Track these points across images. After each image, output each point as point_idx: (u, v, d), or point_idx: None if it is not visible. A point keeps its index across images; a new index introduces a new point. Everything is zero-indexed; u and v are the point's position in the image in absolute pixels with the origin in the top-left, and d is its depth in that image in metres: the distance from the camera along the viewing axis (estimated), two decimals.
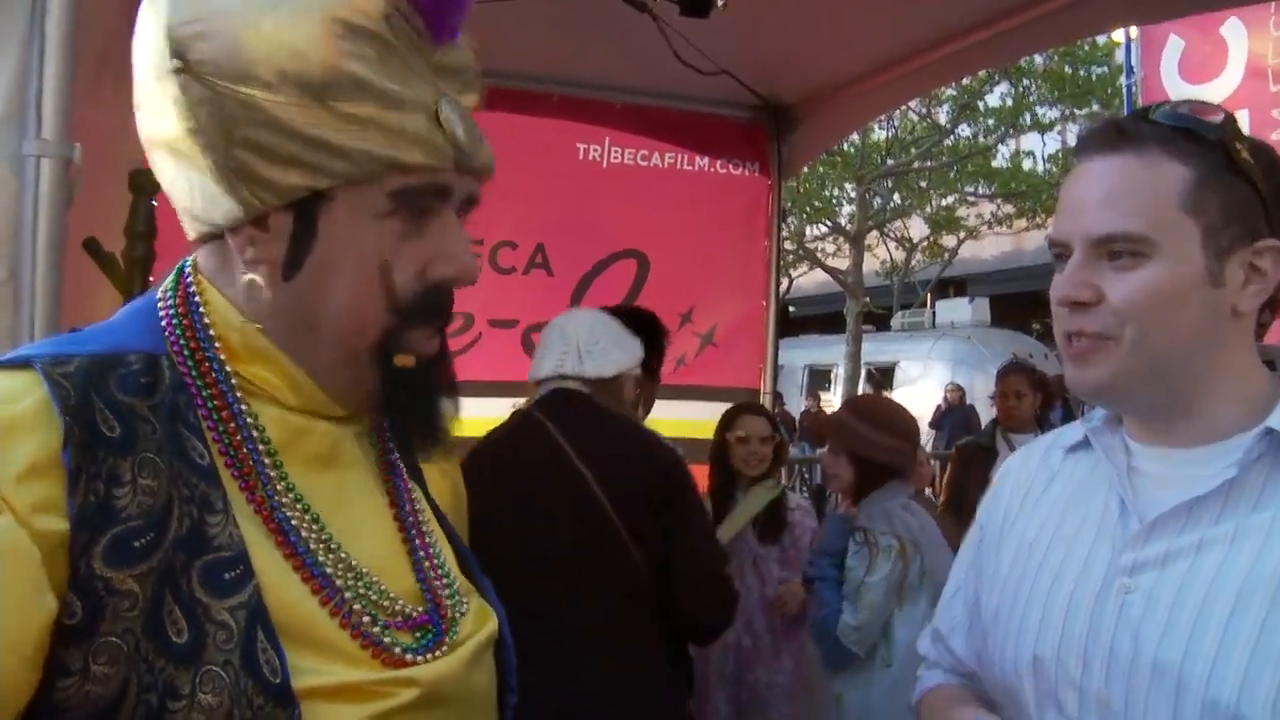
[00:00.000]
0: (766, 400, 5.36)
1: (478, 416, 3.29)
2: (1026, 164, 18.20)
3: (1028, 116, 16.54)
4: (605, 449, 2.69)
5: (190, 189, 0.98)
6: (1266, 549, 1.22)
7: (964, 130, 17.28)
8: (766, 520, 3.87)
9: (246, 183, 0.95)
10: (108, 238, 1.97)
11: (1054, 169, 17.81)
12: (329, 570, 0.98)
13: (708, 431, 4.42)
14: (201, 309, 1.01)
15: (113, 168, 1.91)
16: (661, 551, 2.61)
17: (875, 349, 20.25)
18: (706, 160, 5.15)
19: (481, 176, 1.04)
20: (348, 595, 0.98)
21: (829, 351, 20.56)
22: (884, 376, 19.95)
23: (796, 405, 18.56)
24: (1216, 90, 6.78)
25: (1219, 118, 1.30)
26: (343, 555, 1.00)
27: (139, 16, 0.98)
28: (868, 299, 18.89)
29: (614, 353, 2.87)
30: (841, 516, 3.33)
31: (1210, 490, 1.26)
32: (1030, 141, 17.97)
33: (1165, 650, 1.23)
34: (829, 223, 18.76)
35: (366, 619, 0.98)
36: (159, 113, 0.96)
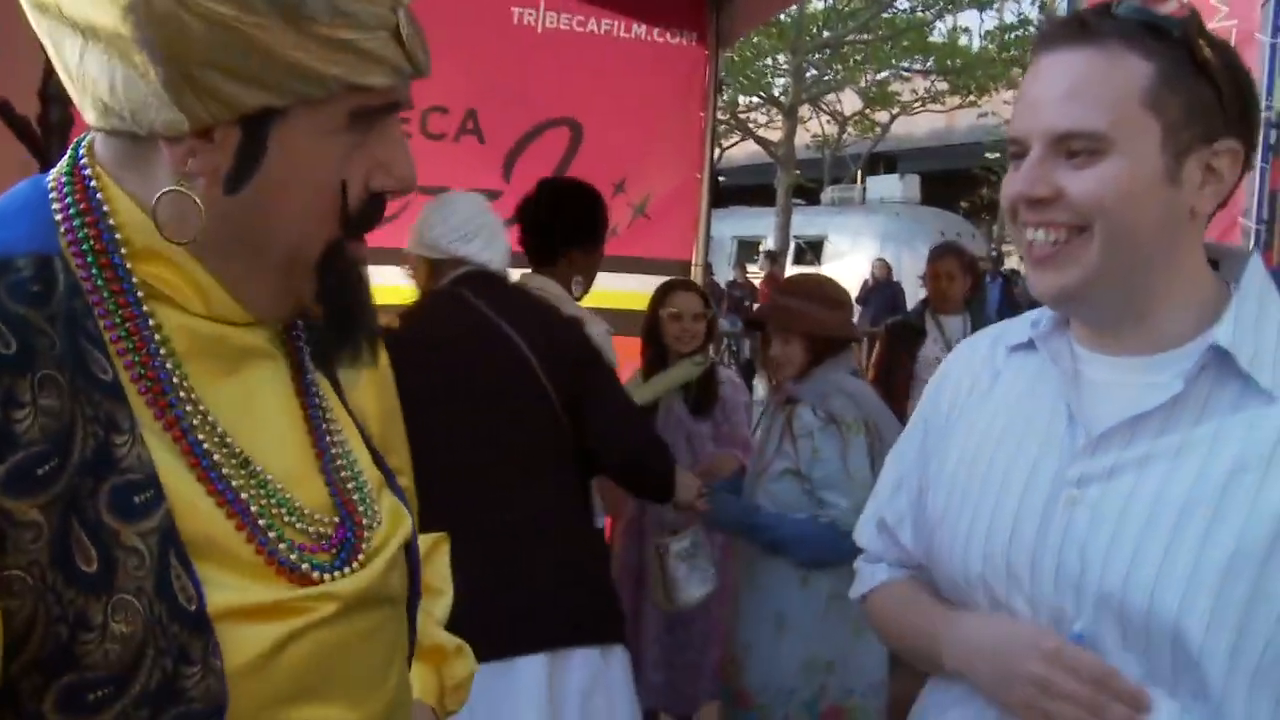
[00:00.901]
0: (698, 273, 5.36)
1: (400, 285, 3.26)
2: (963, 40, 18.11)
3: None
4: (531, 320, 2.69)
5: (113, 83, 0.89)
6: (1209, 462, 1.23)
7: (901, 3, 17.09)
8: (698, 395, 3.89)
9: (198, 97, 0.88)
10: (20, 101, 1.86)
11: (990, 46, 17.73)
12: (240, 490, 0.94)
13: (638, 303, 4.41)
14: (105, 205, 0.93)
15: (25, 26, 1.79)
16: (586, 415, 2.67)
17: (805, 222, 20.29)
18: (644, 28, 5.04)
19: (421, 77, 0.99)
20: (260, 519, 0.94)
21: (758, 223, 20.57)
22: (812, 250, 20.05)
23: (724, 277, 18.61)
24: None
25: (1183, 14, 1.27)
26: (255, 471, 0.96)
27: None
28: (798, 172, 18.84)
29: (503, 242, 2.88)
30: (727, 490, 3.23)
31: (1157, 404, 1.26)
32: (968, 18, 17.86)
33: (1110, 567, 1.25)
34: (762, 94, 18.56)
35: (281, 545, 0.95)
36: (100, 5, 0.86)
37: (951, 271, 5.37)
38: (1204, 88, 1.25)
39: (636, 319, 4.36)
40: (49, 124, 1.94)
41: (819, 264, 20.33)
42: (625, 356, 4.24)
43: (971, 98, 18.26)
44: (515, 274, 3.15)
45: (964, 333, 5.20)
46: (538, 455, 2.62)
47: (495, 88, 4.65)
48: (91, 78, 0.90)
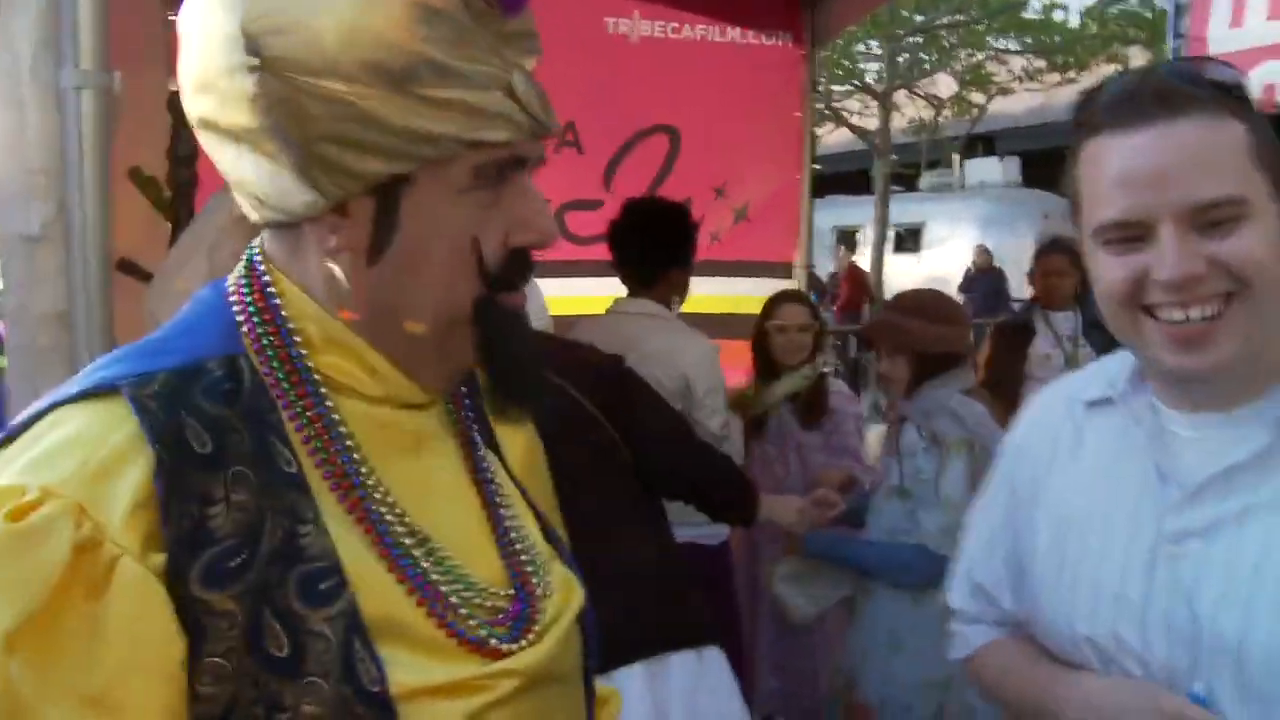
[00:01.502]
0: (801, 274, 5.34)
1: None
2: (1059, 16, 17.64)
3: None
4: (567, 362, 2.68)
5: (259, 177, 0.94)
6: None
7: None
8: (806, 405, 3.88)
9: (327, 173, 0.92)
10: (149, 163, 1.94)
11: (1088, 21, 17.29)
12: (423, 568, 0.98)
13: (744, 307, 4.43)
14: (278, 301, 0.98)
15: (151, 90, 1.87)
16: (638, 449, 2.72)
17: (902, 210, 20.02)
18: (738, 31, 5.03)
19: (551, 137, 1.02)
20: (443, 591, 0.98)
21: (857, 212, 20.35)
22: (912, 238, 19.79)
23: (825, 267, 18.47)
24: None
25: (1233, 74, 1.26)
26: (434, 548, 0.99)
27: (209, 8, 0.93)
28: (894, 158, 18.60)
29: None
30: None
31: (1250, 454, 1.24)
32: None
33: (1222, 622, 1.23)
34: (855, 82, 18.35)
35: (462, 614, 0.98)
36: (227, 103, 0.92)
37: (1061, 268, 5.24)
38: (1274, 136, 1.24)
39: (744, 323, 4.38)
40: (176, 185, 2.01)
41: (918, 251, 20.05)
42: (737, 361, 4.27)
43: (1070, 74, 17.81)
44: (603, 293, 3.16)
45: (1075, 327, 5.10)
46: (600, 478, 2.63)
47: (592, 98, 4.68)
48: (247, 177, 0.95)
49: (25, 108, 1.52)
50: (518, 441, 1.21)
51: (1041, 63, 17.87)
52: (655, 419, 2.79)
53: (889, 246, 19.01)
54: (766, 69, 5.11)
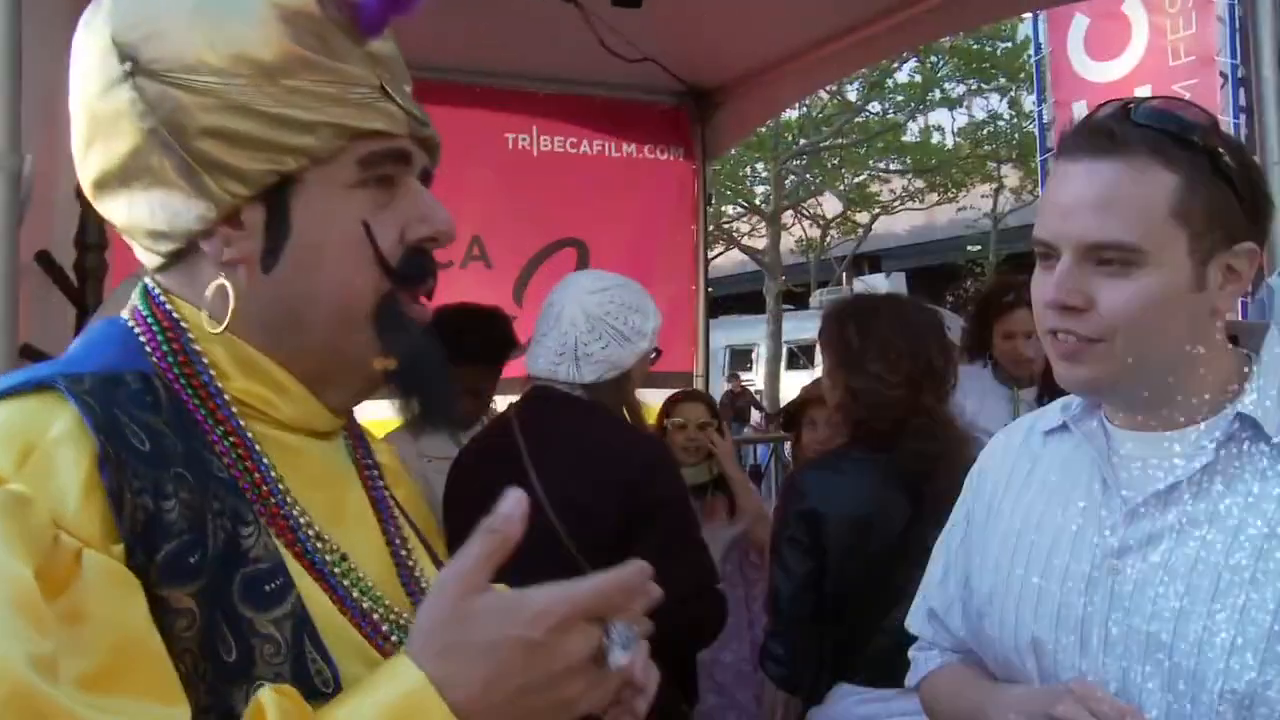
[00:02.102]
0: (699, 383, 5.42)
1: None
2: (935, 138, 18.49)
3: (936, 92, 16.79)
4: (571, 469, 2.44)
5: (153, 208, 0.96)
6: (1243, 526, 1.27)
7: (874, 107, 17.49)
8: (713, 498, 3.93)
9: (213, 175, 0.94)
10: (58, 250, 1.93)
11: (962, 142, 18.12)
12: (346, 587, 0.98)
13: (650, 417, 4.45)
14: (184, 326, 0.99)
15: (60, 179, 1.86)
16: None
17: (796, 327, 20.43)
18: (634, 146, 5.19)
19: (432, 154, 1.05)
20: (367, 613, 0.98)
21: (750, 331, 20.72)
22: (805, 355, 20.16)
23: (718, 387, 18.69)
24: (1120, 67, 6.95)
25: (1204, 119, 1.31)
26: (351, 569, 0.99)
27: (74, 54, 0.97)
28: (784, 278, 19.05)
29: (616, 351, 2.57)
30: None
31: (1189, 473, 1.30)
32: (939, 116, 18.27)
33: (1155, 630, 1.28)
34: (744, 203, 18.87)
35: (384, 630, 0.98)
36: (110, 133, 0.95)
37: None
38: (1224, 192, 1.28)
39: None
40: (84, 270, 2.00)
41: (812, 367, 20.41)
42: None
43: (949, 194, 18.57)
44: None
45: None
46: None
47: (498, 212, 4.76)
48: (138, 218, 0.97)
49: None
50: (403, 485, 1.21)
51: (921, 183, 18.61)
52: (667, 542, 2.47)
53: (782, 364, 19.33)
54: (662, 182, 5.27)
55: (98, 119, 0.95)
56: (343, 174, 0.97)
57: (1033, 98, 14.11)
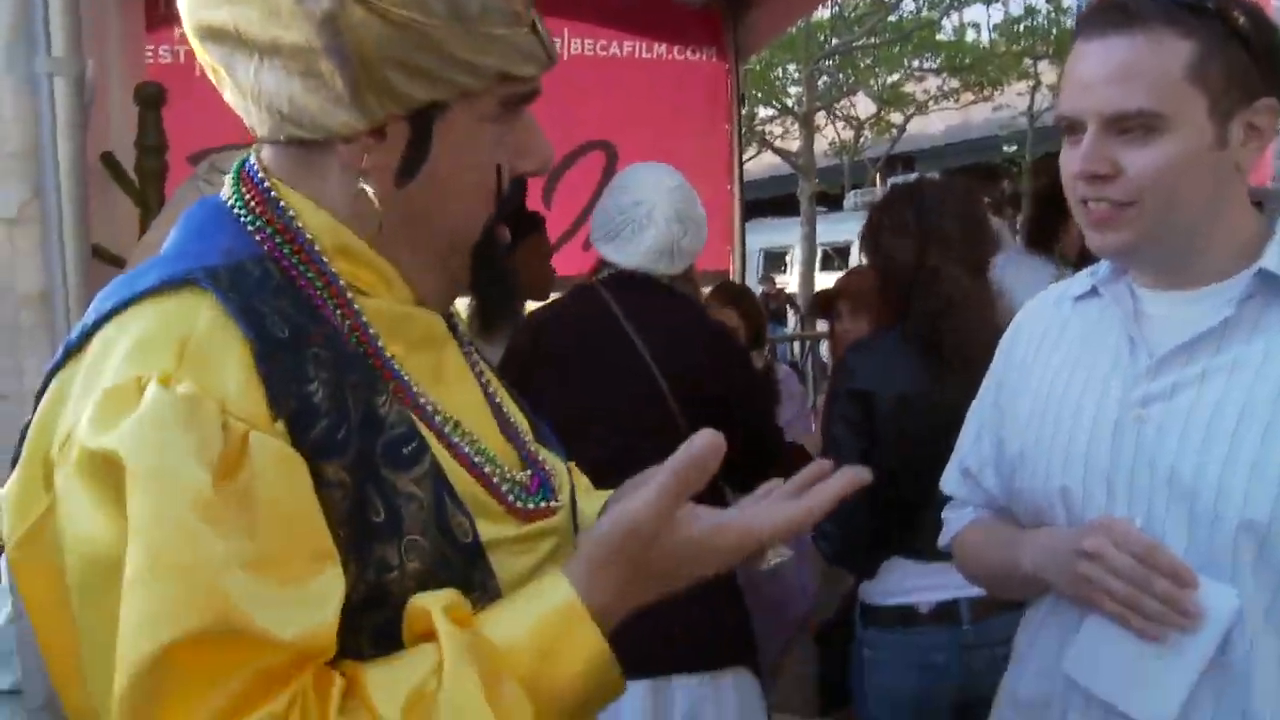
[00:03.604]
0: (735, 280, 5.45)
1: None
2: (970, 35, 18.15)
3: None
4: (669, 337, 2.61)
5: (293, 92, 0.98)
6: (1263, 373, 1.34)
7: (907, 4, 17.15)
8: None
9: (378, 95, 0.97)
10: (119, 150, 1.98)
11: (1000, 39, 17.76)
12: (465, 447, 1.05)
13: None
14: (290, 211, 1.02)
15: (120, 81, 1.91)
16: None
17: (829, 229, 20.28)
18: (664, 47, 5.16)
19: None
20: (485, 469, 1.05)
21: (783, 234, 20.58)
22: (840, 256, 20.04)
23: (754, 289, 18.60)
24: None
25: None
26: (465, 430, 1.06)
27: None
28: (817, 180, 18.88)
29: (695, 241, 2.74)
30: None
31: (1211, 327, 1.38)
32: (974, 13, 17.92)
33: (1179, 470, 1.36)
34: (777, 104, 18.65)
35: (506, 489, 1.06)
36: (278, 18, 0.95)
37: None
38: (1240, 53, 1.35)
39: None
40: (145, 171, 2.05)
41: (846, 268, 20.26)
42: None
43: (985, 92, 18.26)
44: None
45: None
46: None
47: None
48: (268, 92, 0.99)
49: (2, 94, 1.57)
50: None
51: (956, 82, 18.30)
52: (755, 420, 2.75)
53: (817, 266, 19.24)
54: (694, 83, 5.24)
55: (279, 3, 0.95)
56: (485, 108, 1.03)
57: None
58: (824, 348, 10.99)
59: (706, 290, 4.43)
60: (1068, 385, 1.52)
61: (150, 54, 4.12)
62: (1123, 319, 1.48)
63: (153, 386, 0.87)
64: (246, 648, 0.83)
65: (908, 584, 2.57)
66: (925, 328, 2.50)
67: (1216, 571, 1.32)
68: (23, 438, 0.95)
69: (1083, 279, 1.59)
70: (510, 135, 1.06)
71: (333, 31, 0.95)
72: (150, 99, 2.05)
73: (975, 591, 2.22)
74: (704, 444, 0.95)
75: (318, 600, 0.88)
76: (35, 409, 0.96)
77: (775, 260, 20.71)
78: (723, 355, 2.71)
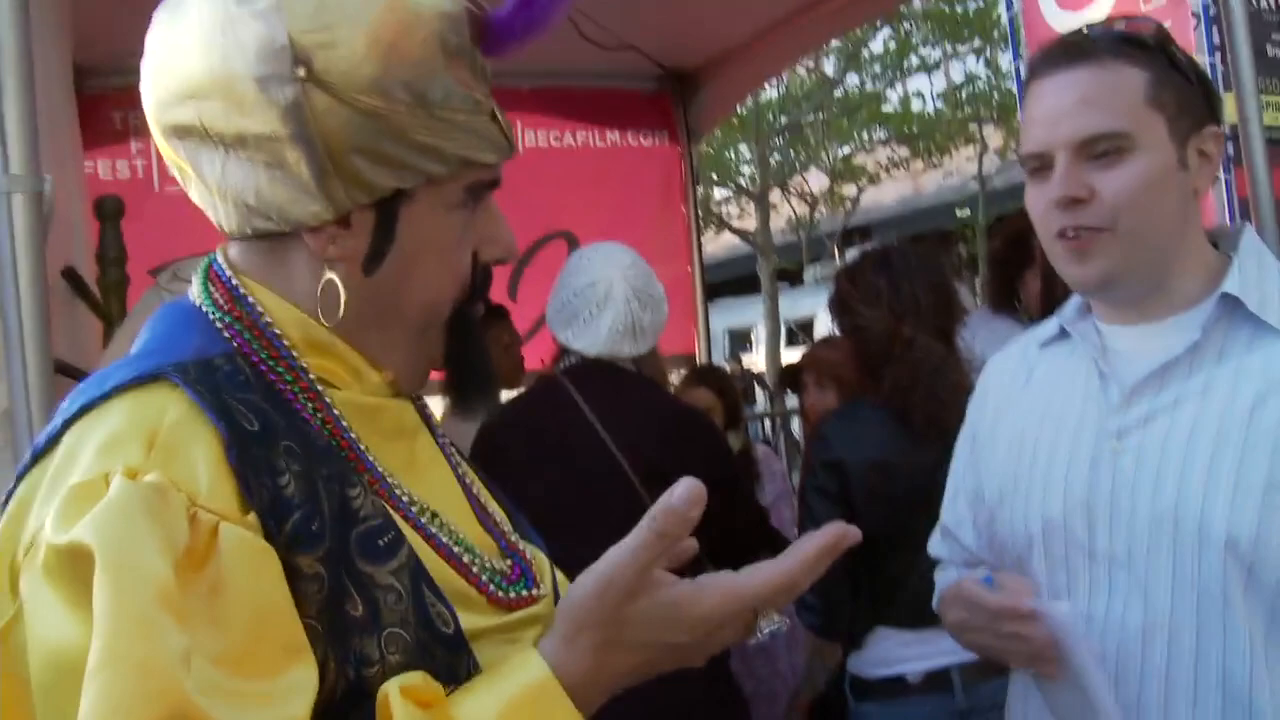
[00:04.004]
0: (700, 360, 5.47)
1: None
2: (916, 105, 18.48)
3: (912, 58, 16.80)
4: (635, 425, 2.55)
5: (259, 185, 0.98)
6: (1234, 394, 1.37)
7: (852, 80, 17.48)
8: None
9: (344, 182, 0.97)
10: (80, 265, 1.98)
11: (943, 107, 18.12)
12: (443, 539, 1.04)
13: None
14: (258, 307, 1.03)
15: (75, 196, 1.91)
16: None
17: (792, 305, 20.49)
18: (617, 134, 5.26)
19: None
20: (463, 558, 1.04)
21: (747, 313, 20.76)
22: (804, 331, 20.19)
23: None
24: (1093, 13, 6.96)
25: (1151, 28, 1.44)
26: (442, 520, 1.05)
27: (219, 20, 0.96)
28: (777, 257, 19.07)
29: (656, 317, 2.70)
30: None
31: (1180, 353, 1.40)
32: (918, 83, 18.27)
33: (1160, 497, 1.37)
34: (731, 185, 18.89)
35: (486, 578, 1.05)
36: (243, 111, 0.95)
37: None
38: (1184, 83, 1.42)
39: None
40: (106, 284, 2.05)
41: (811, 343, 20.42)
42: None
43: (934, 159, 18.56)
44: None
45: None
46: None
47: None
48: (234, 185, 0.99)
49: None
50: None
51: (905, 150, 18.61)
52: (737, 507, 2.69)
53: (782, 341, 19.35)
54: (648, 167, 5.33)
55: (233, 93, 0.96)
56: (449, 196, 1.04)
57: (1008, 56, 14.13)
58: (796, 424, 11.05)
59: (676, 374, 4.45)
60: (1041, 426, 1.53)
61: (109, 169, 4.15)
62: (1091, 354, 1.50)
63: (118, 479, 0.86)
64: None
65: (896, 654, 2.55)
66: (899, 397, 2.51)
67: (1208, 599, 1.33)
68: None
69: (1049, 324, 1.62)
70: (475, 223, 1.07)
71: (298, 120, 0.95)
72: (110, 212, 2.06)
73: (966, 658, 2.21)
74: (683, 492, 0.91)
75: (284, 695, 0.85)
76: (0, 514, 0.94)
77: (740, 339, 20.83)
78: (690, 438, 2.63)
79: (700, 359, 5.51)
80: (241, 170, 0.99)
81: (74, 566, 0.83)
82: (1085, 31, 1.46)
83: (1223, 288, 1.41)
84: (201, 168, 1.01)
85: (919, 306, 2.59)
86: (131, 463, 0.87)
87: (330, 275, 1.02)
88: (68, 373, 1.77)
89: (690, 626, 0.93)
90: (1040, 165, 1.45)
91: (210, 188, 1.02)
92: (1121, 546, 1.40)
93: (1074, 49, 1.44)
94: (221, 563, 0.86)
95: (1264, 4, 3.20)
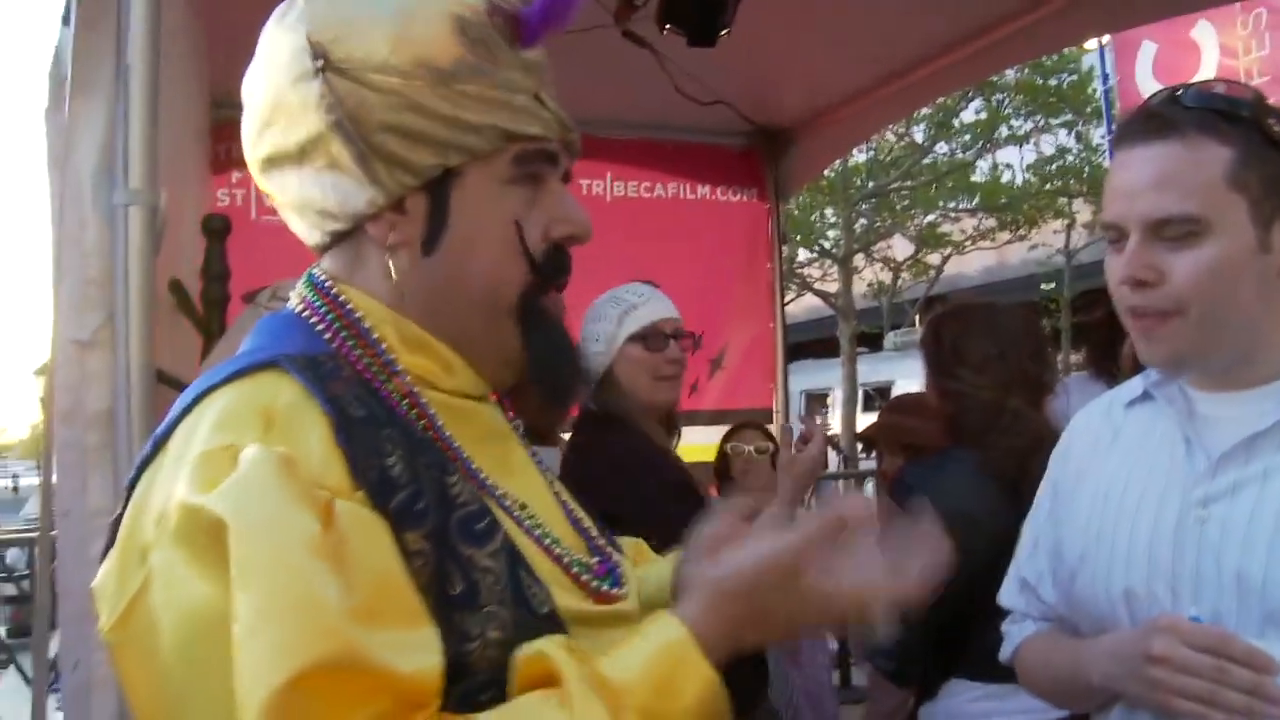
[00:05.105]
0: (779, 419, 5.45)
1: None
2: (1005, 176, 18.36)
3: (1003, 129, 16.73)
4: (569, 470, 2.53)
5: (324, 189, 1.06)
6: None
7: (941, 148, 17.45)
8: None
9: (386, 165, 1.04)
10: (184, 279, 2.06)
11: (1032, 179, 17.99)
12: (535, 530, 1.08)
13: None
14: (355, 311, 1.08)
15: (187, 212, 1.99)
16: None
17: (870, 370, 20.33)
18: (707, 188, 5.29)
19: (574, 156, 1.16)
20: (551, 546, 1.08)
21: (824, 375, 20.64)
22: (880, 395, 20.01)
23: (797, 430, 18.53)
24: None
25: (1249, 95, 1.40)
26: (533, 515, 1.09)
27: (265, 45, 1.08)
28: (857, 321, 18.99)
29: (592, 343, 2.72)
30: None
31: (1270, 424, 1.38)
32: (1007, 154, 18.14)
33: (1246, 569, 1.34)
34: (816, 248, 18.89)
35: (574, 566, 1.09)
36: (294, 119, 1.05)
37: None
38: (1277, 157, 1.38)
39: None
40: (210, 299, 2.13)
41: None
42: None
43: (1021, 231, 18.40)
44: None
45: None
46: None
47: (574, 257, 4.86)
48: (307, 197, 1.07)
49: (86, 225, 1.65)
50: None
51: (992, 221, 18.48)
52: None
53: (859, 406, 19.20)
54: (735, 222, 5.35)
55: (283, 106, 1.05)
56: (499, 170, 1.08)
57: (1100, 130, 14.02)
58: (869, 485, 10.95)
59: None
60: (1125, 488, 1.51)
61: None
62: (1178, 420, 1.48)
63: (252, 447, 0.90)
64: (371, 679, 0.85)
65: (966, 709, 2.52)
66: (1008, 461, 2.48)
67: None
68: (114, 529, 0.98)
69: (1134, 384, 1.59)
70: (539, 201, 1.11)
71: (327, 108, 1.03)
72: (216, 230, 2.14)
73: (1038, 717, 2.17)
74: (853, 504, 1.01)
75: (425, 645, 0.90)
76: (127, 500, 0.99)
77: (817, 401, 20.71)
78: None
79: (777, 418, 5.50)
80: (309, 180, 1.07)
81: (209, 533, 0.87)
82: (1177, 96, 1.42)
83: None
84: (286, 191, 1.10)
85: (1025, 377, 2.58)
86: (254, 438, 0.92)
87: (390, 260, 1.07)
88: (168, 382, 1.83)
89: (820, 619, 1.02)
90: (1117, 237, 1.44)
91: (294, 207, 1.10)
92: (1207, 615, 1.37)
93: (1159, 120, 1.41)
94: (342, 534, 0.90)
95: None
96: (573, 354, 1.19)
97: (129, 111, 1.65)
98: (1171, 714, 1.35)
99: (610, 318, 2.78)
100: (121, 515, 0.98)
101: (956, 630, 2.47)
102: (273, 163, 1.09)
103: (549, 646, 0.94)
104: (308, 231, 1.12)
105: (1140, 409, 1.57)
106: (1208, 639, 1.30)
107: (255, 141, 1.10)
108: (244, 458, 0.90)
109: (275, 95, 1.06)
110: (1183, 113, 1.40)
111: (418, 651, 0.89)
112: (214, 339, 2.08)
